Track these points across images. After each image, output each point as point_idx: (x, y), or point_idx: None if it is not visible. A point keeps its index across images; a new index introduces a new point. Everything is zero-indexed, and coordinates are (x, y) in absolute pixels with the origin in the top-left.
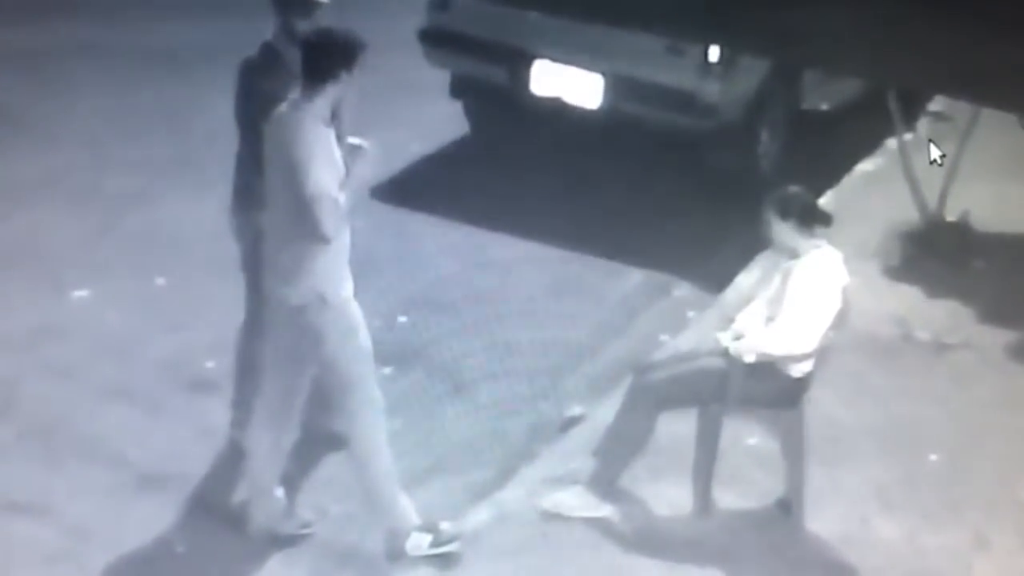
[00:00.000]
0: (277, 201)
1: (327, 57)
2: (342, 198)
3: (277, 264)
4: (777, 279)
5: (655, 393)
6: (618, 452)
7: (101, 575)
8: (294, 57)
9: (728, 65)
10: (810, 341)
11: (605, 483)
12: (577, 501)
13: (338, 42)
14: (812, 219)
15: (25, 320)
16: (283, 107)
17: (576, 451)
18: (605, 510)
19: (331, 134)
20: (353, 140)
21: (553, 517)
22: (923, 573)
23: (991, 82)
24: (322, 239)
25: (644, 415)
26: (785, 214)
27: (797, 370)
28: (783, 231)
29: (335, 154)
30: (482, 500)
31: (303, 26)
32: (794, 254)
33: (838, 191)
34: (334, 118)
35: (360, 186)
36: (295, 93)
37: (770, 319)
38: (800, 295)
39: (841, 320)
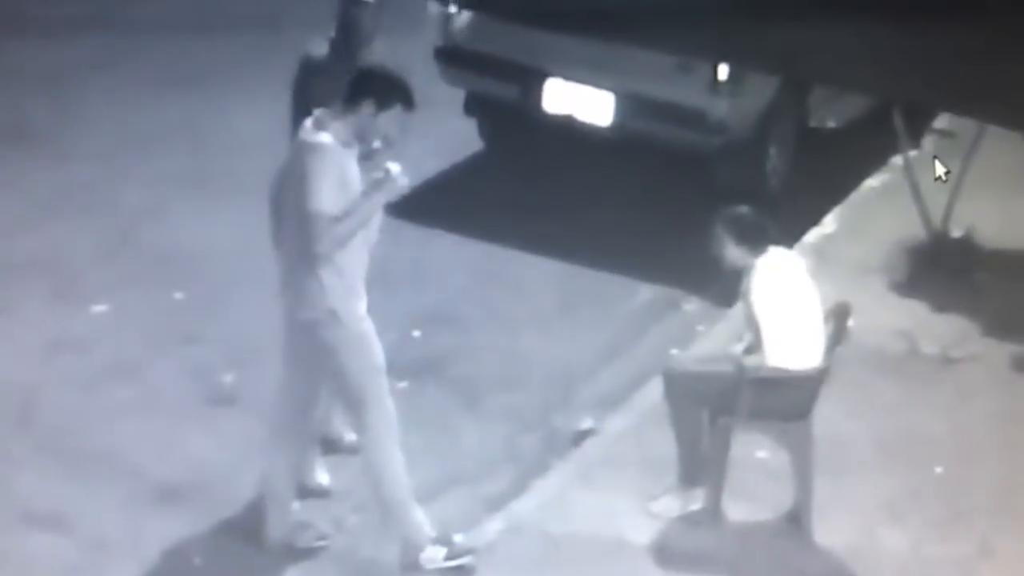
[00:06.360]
0: (291, 214)
1: (365, 85)
2: (352, 221)
3: (291, 279)
4: (743, 299)
5: (684, 386)
6: (681, 455)
7: None
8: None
9: (737, 83)
10: (810, 343)
11: (689, 480)
12: (676, 503)
13: (383, 79)
14: (767, 240)
15: (44, 334)
16: (309, 121)
17: (588, 463)
18: (693, 505)
19: (349, 155)
20: (390, 165)
21: (657, 518)
22: None
23: (996, 99)
24: (314, 255)
25: (686, 410)
26: (740, 237)
27: (805, 382)
28: (735, 252)
29: (348, 175)
30: (496, 512)
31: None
32: (745, 271)
33: (845, 207)
34: (364, 143)
35: (374, 211)
36: (321, 111)
37: (755, 338)
38: (768, 304)
39: (843, 333)
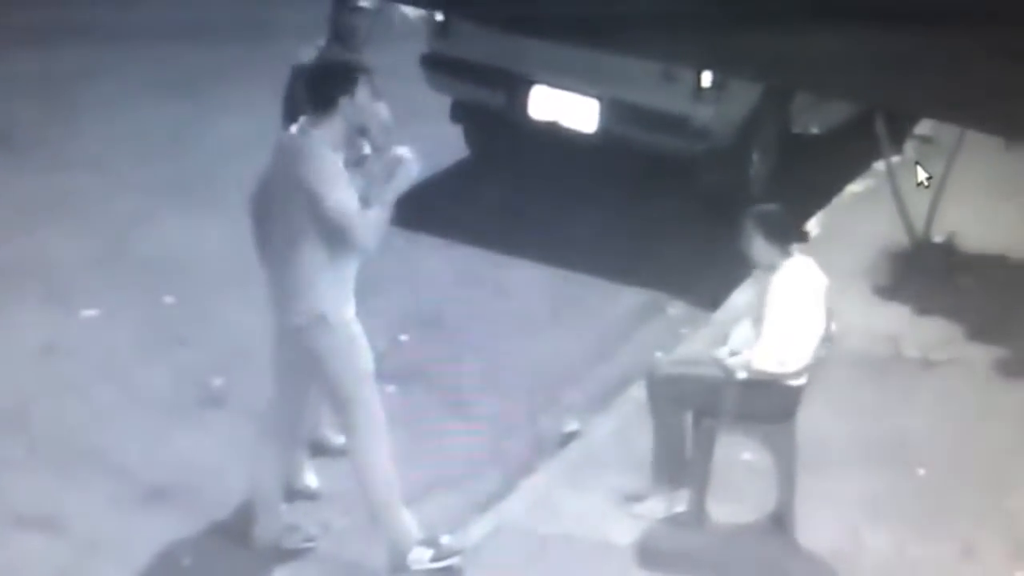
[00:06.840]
0: (280, 221)
1: (325, 86)
2: (377, 211)
3: (280, 283)
4: (758, 295)
5: (667, 388)
6: (664, 457)
7: None
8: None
9: (720, 90)
10: (801, 355)
11: (673, 482)
12: (660, 504)
13: (335, 70)
14: (792, 238)
15: (36, 339)
16: (293, 128)
17: (574, 465)
18: (677, 507)
19: (339, 159)
20: (399, 150)
21: (641, 519)
22: None
23: (977, 106)
24: (364, 252)
25: (668, 412)
26: (769, 234)
27: (789, 385)
28: (763, 249)
29: (344, 175)
30: (482, 514)
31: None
32: (771, 269)
33: (828, 212)
34: (361, 135)
35: (396, 196)
36: (304, 119)
37: (756, 334)
38: (779, 308)
39: (829, 336)
